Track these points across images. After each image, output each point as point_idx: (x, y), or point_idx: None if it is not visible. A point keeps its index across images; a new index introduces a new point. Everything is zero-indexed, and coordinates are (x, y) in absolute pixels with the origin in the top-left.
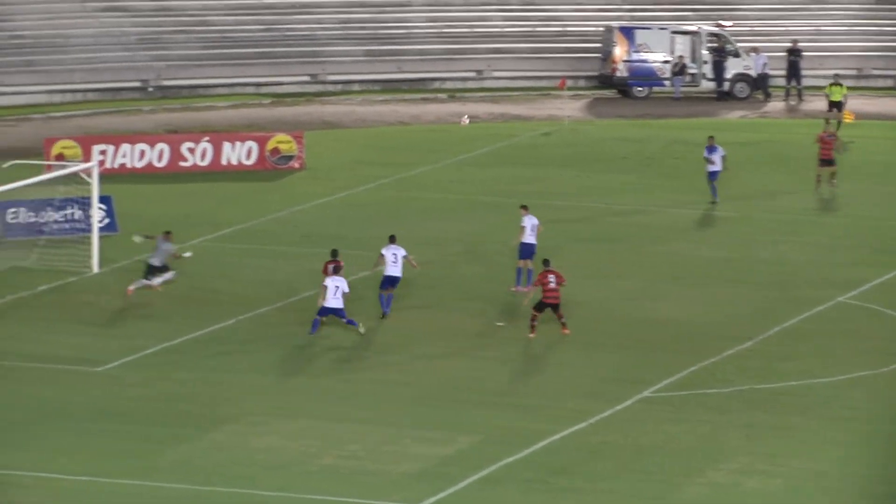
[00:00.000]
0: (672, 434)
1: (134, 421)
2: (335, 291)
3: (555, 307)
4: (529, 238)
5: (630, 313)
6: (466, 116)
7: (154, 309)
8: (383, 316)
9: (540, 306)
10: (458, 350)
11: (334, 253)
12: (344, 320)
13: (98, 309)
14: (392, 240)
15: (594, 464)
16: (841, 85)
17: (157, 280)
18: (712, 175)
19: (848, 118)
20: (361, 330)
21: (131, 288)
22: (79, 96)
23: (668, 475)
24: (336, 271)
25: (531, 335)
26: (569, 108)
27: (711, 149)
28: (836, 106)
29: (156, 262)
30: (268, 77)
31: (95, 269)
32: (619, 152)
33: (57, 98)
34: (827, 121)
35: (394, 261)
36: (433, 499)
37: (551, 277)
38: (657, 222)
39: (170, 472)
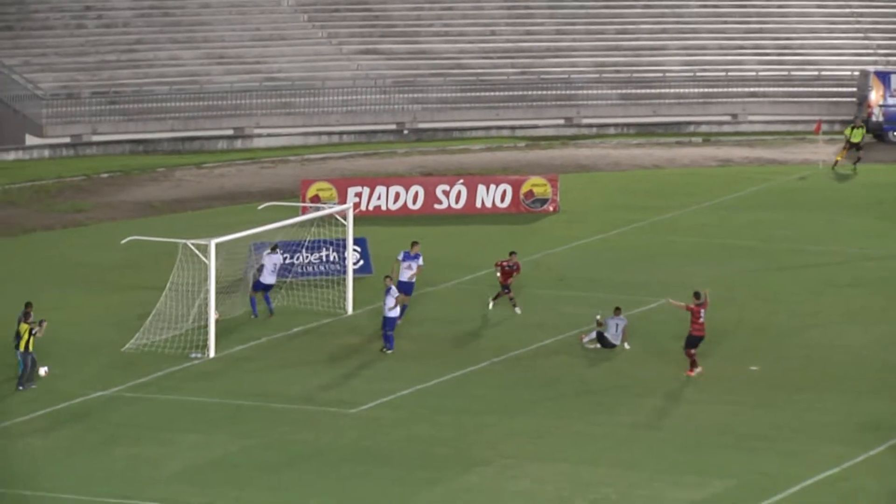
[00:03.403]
0: None
1: (388, 463)
2: (273, 268)
3: (701, 341)
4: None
5: (886, 359)
6: (218, 314)
7: (407, 351)
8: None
9: (693, 341)
10: (711, 393)
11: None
12: (269, 306)
13: (352, 350)
14: (274, 248)
15: None
16: (862, 127)
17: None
18: None
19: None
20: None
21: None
22: (335, 138)
23: None
24: (274, 249)
25: (691, 373)
26: (824, 152)
27: None
28: (855, 147)
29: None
30: (523, 120)
31: (349, 310)
32: (875, 197)
33: (313, 140)
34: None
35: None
36: None
37: (703, 311)
38: None
39: None
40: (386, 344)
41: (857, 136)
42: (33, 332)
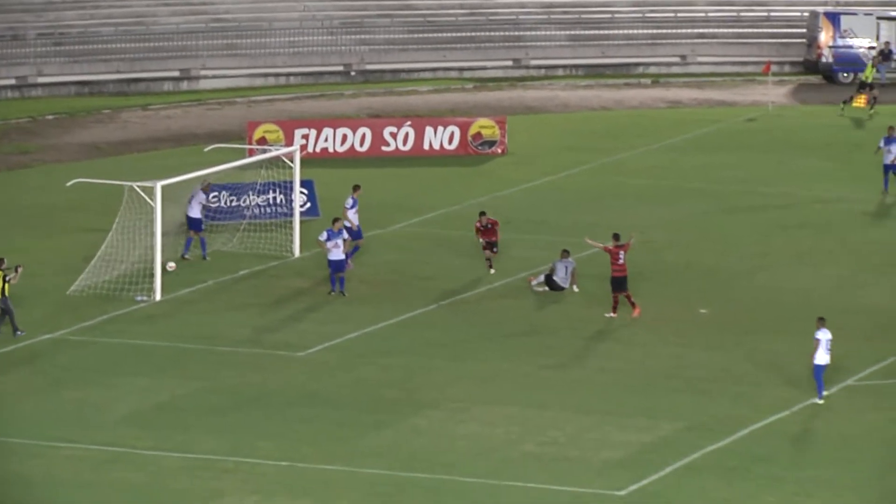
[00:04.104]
0: (876, 423)
1: (335, 406)
2: (188, 200)
3: (623, 282)
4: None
5: (835, 301)
6: (171, 263)
7: (355, 294)
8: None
9: (614, 283)
10: (660, 337)
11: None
12: (185, 249)
13: (299, 293)
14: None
15: (797, 452)
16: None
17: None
18: (889, 167)
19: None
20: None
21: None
22: (281, 80)
23: (872, 464)
24: (205, 188)
25: (613, 314)
26: (773, 93)
27: (889, 140)
28: (868, 87)
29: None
30: (471, 61)
31: (296, 253)
32: (824, 139)
33: (259, 82)
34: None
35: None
36: (635, 486)
37: (622, 253)
38: (862, 209)
39: (370, 458)
40: (334, 286)
41: (868, 75)
42: (7, 278)
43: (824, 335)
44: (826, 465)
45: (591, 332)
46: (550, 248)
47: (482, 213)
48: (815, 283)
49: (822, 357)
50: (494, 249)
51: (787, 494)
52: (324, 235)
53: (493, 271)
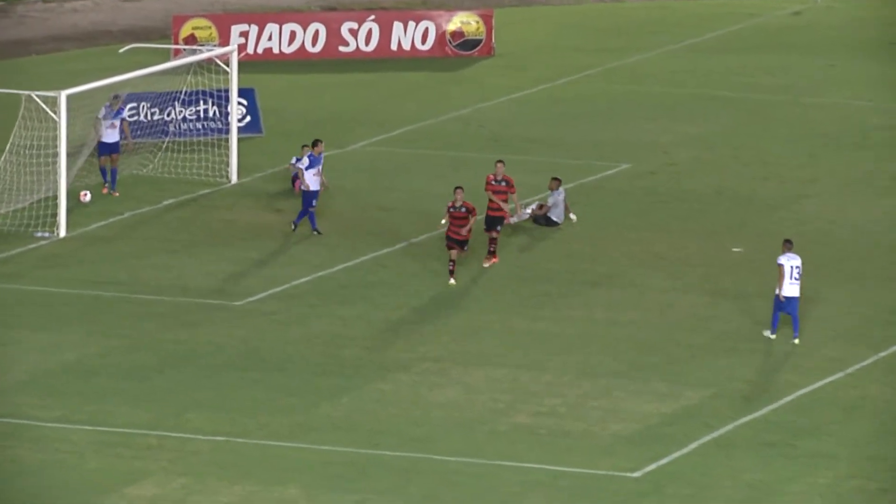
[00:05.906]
0: None
1: (282, 368)
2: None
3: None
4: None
5: None
6: (87, 193)
7: (306, 230)
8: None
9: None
10: (684, 282)
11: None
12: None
13: (237, 228)
14: None
15: (852, 424)
16: None
17: None
18: None
19: None
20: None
21: None
22: None
23: None
24: (114, 100)
25: (493, 261)
26: None
27: None
28: None
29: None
30: None
31: (234, 178)
32: (886, 36)
33: None
34: None
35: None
36: (652, 466)
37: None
38: None
39: (326, 432)
40: (315, 224)
41: None
42: None
43: (788, 261)
44: (888, 440)
45: (597, 276)
46: (546, 173)
47: (458, 189)
48: (871, 215)
49: (787, 288)
50: (465, 248)
51: (841, 476)
52: (304, 162)
53: (453, 282)
